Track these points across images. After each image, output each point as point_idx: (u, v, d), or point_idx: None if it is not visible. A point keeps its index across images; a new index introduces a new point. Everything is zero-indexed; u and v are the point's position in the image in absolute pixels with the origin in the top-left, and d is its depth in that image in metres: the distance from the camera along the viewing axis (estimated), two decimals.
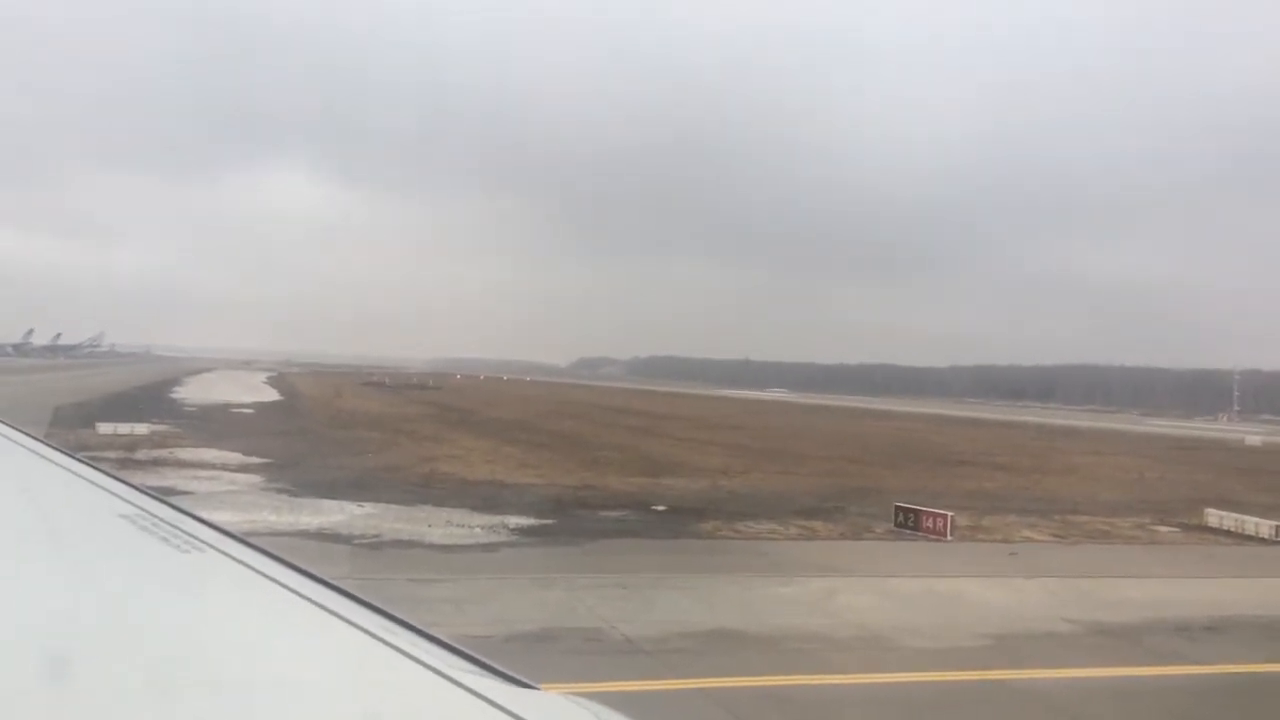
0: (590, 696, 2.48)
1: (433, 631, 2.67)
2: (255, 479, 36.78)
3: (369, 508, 30.61)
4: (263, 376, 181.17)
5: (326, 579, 3.09)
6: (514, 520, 29.83)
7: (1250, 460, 76.10)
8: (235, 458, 42.98)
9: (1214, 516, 36.12)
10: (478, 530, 28.06)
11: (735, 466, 50.35)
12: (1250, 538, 33.56)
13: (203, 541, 3.38)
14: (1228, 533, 34.49)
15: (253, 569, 3.13)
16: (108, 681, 2.27)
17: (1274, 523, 33.98)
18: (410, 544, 25.75)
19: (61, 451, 5.23)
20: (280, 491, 33.55)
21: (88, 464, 4.90)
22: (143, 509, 3.80)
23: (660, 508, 34.23)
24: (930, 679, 16.43)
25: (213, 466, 39.70)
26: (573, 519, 31.04)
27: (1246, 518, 35.21)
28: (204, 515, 3.88)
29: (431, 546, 25.60)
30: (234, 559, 3.22)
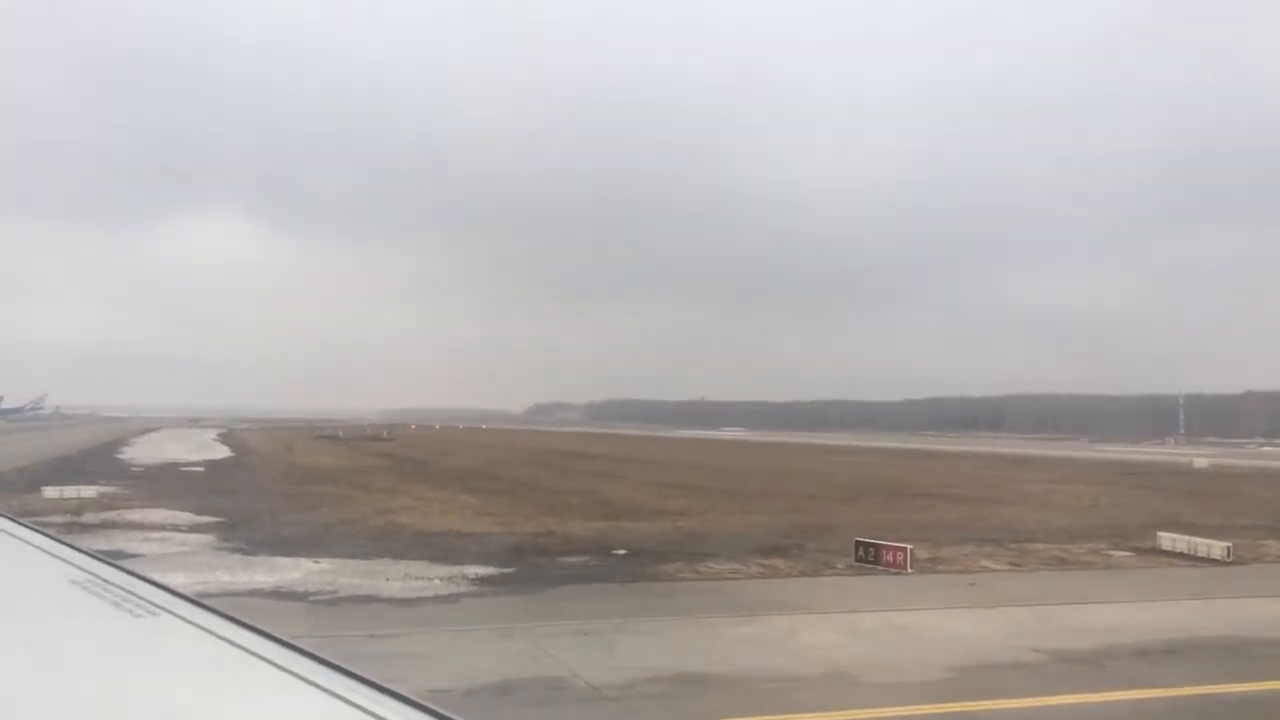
0: None
1: (396, 688, 2.63)
2: (207, 538, 36.02)
3: (325, 563, 30.09)
4: (212, 433, 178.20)
5: (285, 639, 3.04)
6: (473, 570, 29.48)
7: (1198, 483, 77.44)
8: (186, 517, 42.09)
9: (1166, 540, 36.63)
10: (437, 582, 27.68)
11: (694, 507, 50.25)
12: (1202, 559, 34.06)
13: (157, 605, 3.32)
14: (1180, 555, 34.97)
15: (209, 631, 3.07)
16: None
17: (1224, 543, 34.56)
18: (368, 599, 25.33)
19: (7, 518, 5.11)
20: (234, 550, 32.88)
21: (35, 530, 4.79)
22: (94, 574, 3.72)
23: (620, 552, 34.03)
24: (900, 713, 16.41)
25: (163, 527, 38.85)
26: (533, 567, 30.73)
27: (1198, 539, 35.75)
28: (156, 578, 3.81)
29: (390, 600, 25.20)
30: (189, 622, 3.16)
